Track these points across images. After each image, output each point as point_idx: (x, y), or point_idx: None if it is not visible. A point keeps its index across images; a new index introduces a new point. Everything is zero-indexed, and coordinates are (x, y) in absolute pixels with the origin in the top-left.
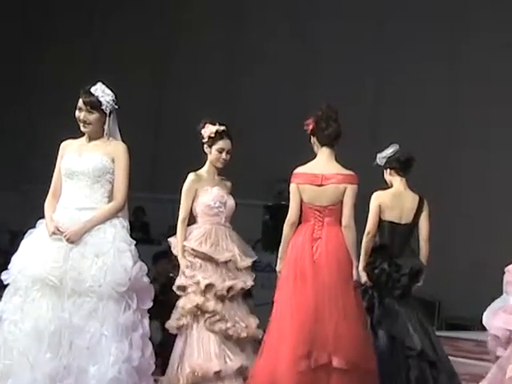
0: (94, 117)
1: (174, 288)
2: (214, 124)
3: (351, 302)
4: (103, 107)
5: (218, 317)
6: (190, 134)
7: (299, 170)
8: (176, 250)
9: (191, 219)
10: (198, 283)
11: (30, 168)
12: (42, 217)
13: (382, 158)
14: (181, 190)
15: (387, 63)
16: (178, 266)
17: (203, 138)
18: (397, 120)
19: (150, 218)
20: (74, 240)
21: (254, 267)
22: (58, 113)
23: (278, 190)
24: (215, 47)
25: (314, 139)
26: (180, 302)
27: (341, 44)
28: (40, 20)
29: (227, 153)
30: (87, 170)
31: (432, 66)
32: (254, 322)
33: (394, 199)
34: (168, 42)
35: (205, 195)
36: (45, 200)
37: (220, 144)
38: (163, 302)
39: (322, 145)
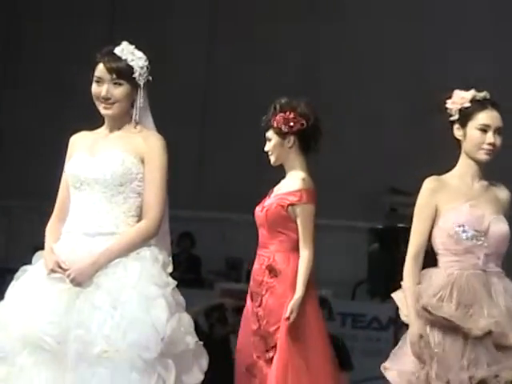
0: (122, 90)
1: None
2: (466, 89)
3: None
4: (135, 75)
5: None
6: (248, 130)
7: None
8: (404, 310)
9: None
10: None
11: (13, 178)
12: (41, 247)
13: None
14: (233, 206)
15: None
16: None
17: (451, 115)
18: None
19: (199, 249)
20: (80, 281)
21: (354, 323)
22: (54, 105)
23: (390, 205)
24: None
25: None
26: None
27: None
28: None
29: (496, 133)
30: (103, 176)
31: None
32: None
33: None
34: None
35: (448, 216)
36: (38, 222)
37: (482, 118)
38: (217, 370)
39: None
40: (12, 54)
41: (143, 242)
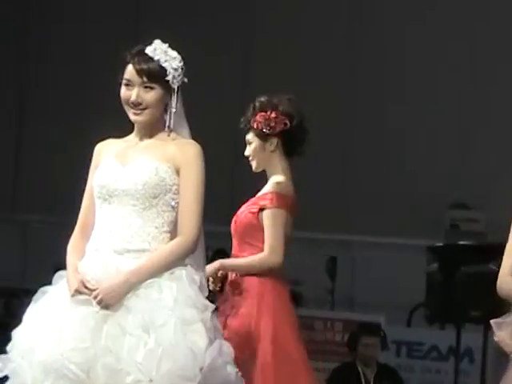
0: (153, 95)
1: None
2: None
3: None
4: (169, 78)
5: None
6: None
7: None
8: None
9: None
10: None
11: (31, 190)
12: (62, 266)
13: None
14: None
15: None
16: None
17: None
18: None
19: None
20: (109, 303)
21: (410, 352)
22: (76, 112)
23: (451, 222)
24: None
25: None
26: None
27: None
28: None
29: None
30: (134, 187)
31: None
32: None
33: None
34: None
35: None
36: (58, 238)
37: None
38: None
39: None
40: (32, 55)
41: (178, 260)
